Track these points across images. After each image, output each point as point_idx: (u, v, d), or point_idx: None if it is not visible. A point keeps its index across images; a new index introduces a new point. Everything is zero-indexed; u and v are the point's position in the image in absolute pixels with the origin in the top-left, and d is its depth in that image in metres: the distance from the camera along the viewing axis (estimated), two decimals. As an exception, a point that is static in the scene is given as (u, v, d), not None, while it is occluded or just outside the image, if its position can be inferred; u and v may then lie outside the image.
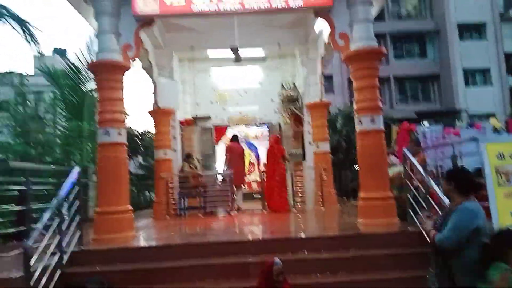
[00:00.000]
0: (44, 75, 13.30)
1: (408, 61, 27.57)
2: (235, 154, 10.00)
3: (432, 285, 3.37)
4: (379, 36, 26.60)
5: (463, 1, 26.34)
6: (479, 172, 6.53)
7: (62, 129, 13.20)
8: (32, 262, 4.19)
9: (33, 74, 20.08)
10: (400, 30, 27.08)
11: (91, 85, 13.01)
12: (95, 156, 11.52)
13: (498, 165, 4.22)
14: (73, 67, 12.94)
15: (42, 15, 59.06)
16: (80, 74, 12.96)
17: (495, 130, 10.98)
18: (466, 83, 26.42)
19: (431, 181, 5.08)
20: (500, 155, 4.27)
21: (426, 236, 4.91)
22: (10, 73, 15.24)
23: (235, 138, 10.42)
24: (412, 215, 5.56)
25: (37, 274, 4.22)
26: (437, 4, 26.99)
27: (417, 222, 5.35)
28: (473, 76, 26.83)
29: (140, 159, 19.20)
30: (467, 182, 3.20)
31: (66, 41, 57.88)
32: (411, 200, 5.58)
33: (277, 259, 4.04)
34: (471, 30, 26.97)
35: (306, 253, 5.14)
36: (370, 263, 4.98)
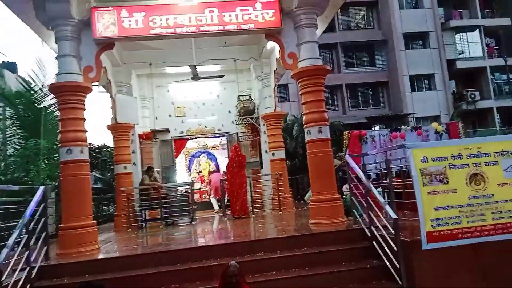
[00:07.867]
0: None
1: (359, 69, 29.06)
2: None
3: None
4: (331, 46, 28.11)
5: (408, 12, 28.27)
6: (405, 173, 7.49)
7: (17, 147, 12.90)
8: (3, 278, 4.44)
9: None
10: (350, 40, 28.52)
11: (46, 102, 12.85)
12: (52, 173, 11.43)
13: (422, 168, 4.88)
14: (26, 85, 12.72)
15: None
16: (34, 92, 12.76)
17: (437, 133, 12.04)
18: (412, 88, 28.18)
19: (371, 184, 5.74)
20: (424, 159, 4.94)
21: (367, 231, 5.60)
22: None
23: None
24: (356, 214, 6.20)
25: (8, 289, 4.48)
26: (384, 15, 28.69)
27: (360, 220, 6.00)
28: (419, 81, 28.66)
29: (96, 173, 19.00)
30: None
31: (13, 53, 55.53)
32: (354, 200, 6.22)
33: (232, 262, 4.45)
34: (416, 39, 28.83)
35: (263, 254, 5.64)
36: (321, 258, 5.53)
